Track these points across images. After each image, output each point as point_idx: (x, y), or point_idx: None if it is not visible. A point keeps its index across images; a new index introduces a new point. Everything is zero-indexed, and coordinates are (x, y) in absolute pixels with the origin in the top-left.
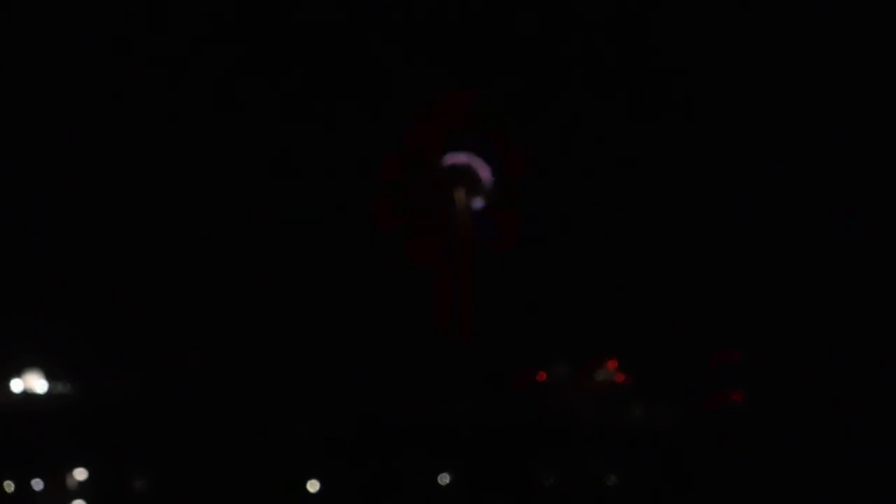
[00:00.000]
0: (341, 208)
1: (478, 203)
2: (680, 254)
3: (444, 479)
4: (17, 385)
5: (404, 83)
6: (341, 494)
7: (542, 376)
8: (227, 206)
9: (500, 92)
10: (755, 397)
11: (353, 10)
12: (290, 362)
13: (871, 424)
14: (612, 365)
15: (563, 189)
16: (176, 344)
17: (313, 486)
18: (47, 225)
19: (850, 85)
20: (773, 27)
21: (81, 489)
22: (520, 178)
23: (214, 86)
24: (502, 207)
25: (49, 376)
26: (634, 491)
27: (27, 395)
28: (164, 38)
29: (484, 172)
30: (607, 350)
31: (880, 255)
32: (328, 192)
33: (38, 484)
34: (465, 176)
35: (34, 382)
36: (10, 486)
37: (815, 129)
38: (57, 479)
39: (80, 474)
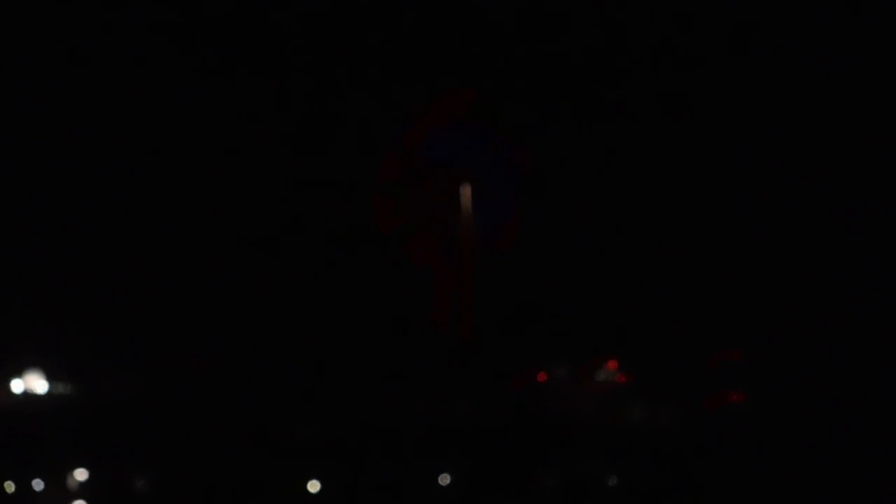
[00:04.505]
0: (341, 208)
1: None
2: (679, 254)
3: (444, 479)
4: (17, 385)
5: (404, 83)
6: (342, 494)
7: (542, 376)
8: (227, 205)
9: (499, 92)
10: (755, 397)
11: (352, 10)
12: (290, 362)
13: (871, 424)
14: (612, 365)
15: (563, 189)
16: (176, 344)
17: (314, 486)
18: (47, 225)
19: (851, 85)
20: (773, 26)
21: (82, 489)
22: (520, 178)
23: (213, 85)
24: (502, 207)
25: (49, 376)
26: (634, 491)
27: (28, 396)
28: (163, 38)
29: (497, 164)
30: (607, 350)
31: (880, 256)
32: (328, 192)
33: (38, 484)
34: (470, 172)
35: (35, 383)
36: (10, 486)
37: (815, 129)
38: (57, 479)
39: (81, 474)
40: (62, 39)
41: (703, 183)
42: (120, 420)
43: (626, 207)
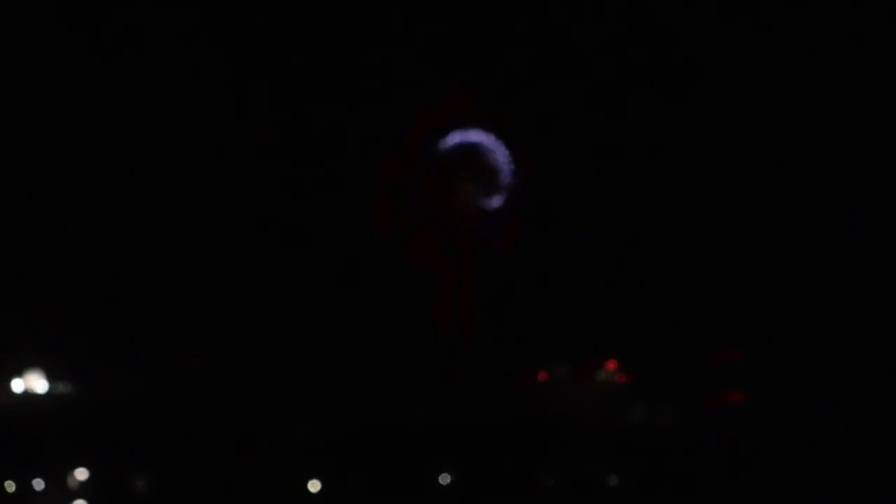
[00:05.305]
0: (341, 208)
1: (493, 202)
2: (679, 253)
3: (444, 479)
4: (17, 385)
5: (404, 83)
6: (342, 494)
7: (542, 376)
8: (227, 206)
9: (499, 92)
10: (755, 397)
11: (354, 12)
12: (290, 362)
13: (872, 424)
14: (612, 365)
15: (563, 189)
16: (176, 344)
17: (314, 486)
18: (47, 225)
19: (850, 85)
20: (772, 26)
21: (82, 489)
22: (520, 178)
23: (213, 85)
24: (502, 207)
25: (50, 376)
26: (634, 491)
27: (28, 395)
28: (162, 38)
29: (497, 164)
30: (607, 350)
31: (880, 256)
32: (328, 191)
33: (39, 484)
34: (475, 171)
35: (35, 382)
36: (11, 486)
37: (815, 128)
38: (58, 478)
39: (81, 474)
40: (62, 40)
41: (703, 184)
42: (120, 420)
43: (626, 208)
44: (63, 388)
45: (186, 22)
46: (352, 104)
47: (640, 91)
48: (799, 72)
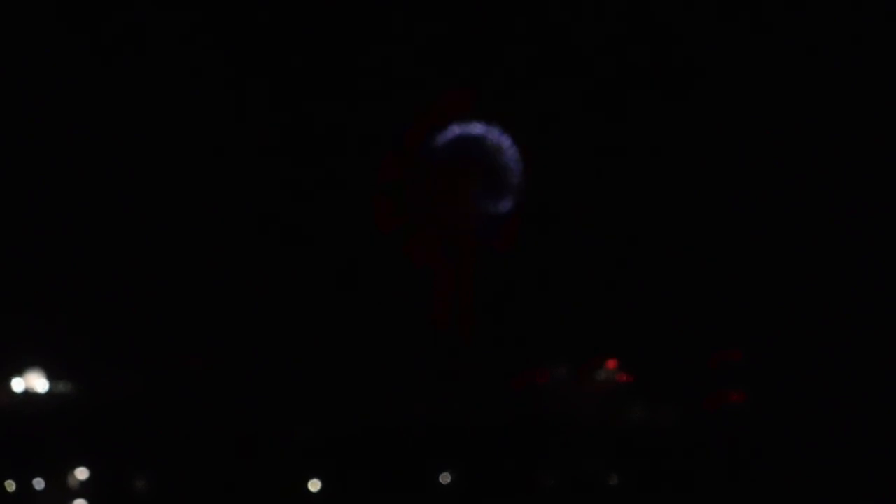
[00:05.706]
0: (341, 208)
1: (502, 205)
2: (680, 253)
3: (445, 478)
4: (18, 384)
5: (404, 83)
6: (342, 494)
7: (542, 376)
8: (227, 206)
9: (499, 92)
10: (755, 397)
11: (352, 10)
12: (290, 362)
13: (872, 424)
14: (612, 365)
15: (563, 189)
16: (177, 344)
17: (314, 485)
18: (47, 225)
19: (851, 85)
20: (772, 26)
21: (83, 489)
22: (521, 178)
23: (213, 85)
24: (503, 207)
25: (50, 376)
26: (634, 491)
27: (28, 395)
28: (162, 38)
29: (499, 164)
30: (607, 350)
31: (880, 256)
32: (328, 191)
33: (39, 483)
34: (475, 171)
35: (35, 382)
36: (11, 485)
37: (815, 128)
38: (58, 478)
39: (82, 474)
40: (62, 40)
41: (703, 184)
42: (120, 420)
43: (626, 208)
44: (63, 388)
45: (186, 22)
46: (352, 104)
47: (640, 91)
48: (799, 72)
